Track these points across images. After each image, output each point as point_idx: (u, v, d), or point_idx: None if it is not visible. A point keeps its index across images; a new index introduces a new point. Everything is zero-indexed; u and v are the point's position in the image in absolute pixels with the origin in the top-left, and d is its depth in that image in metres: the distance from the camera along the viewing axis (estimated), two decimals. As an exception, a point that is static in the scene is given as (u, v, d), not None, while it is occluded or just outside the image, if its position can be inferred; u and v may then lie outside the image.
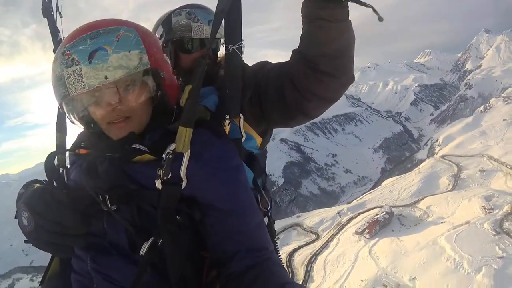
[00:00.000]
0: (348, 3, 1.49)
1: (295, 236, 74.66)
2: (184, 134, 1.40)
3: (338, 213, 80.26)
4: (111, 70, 1.32)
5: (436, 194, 77.49)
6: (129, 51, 1.35)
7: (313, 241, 68.67)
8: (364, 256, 55.28)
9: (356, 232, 63.11)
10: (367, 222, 64.26)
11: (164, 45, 2.06)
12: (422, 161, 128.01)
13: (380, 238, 58.80)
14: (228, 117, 1.68)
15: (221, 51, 2.16)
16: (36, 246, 1.44)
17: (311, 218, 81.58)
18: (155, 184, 1.38)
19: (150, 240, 1.39)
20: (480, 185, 79.49)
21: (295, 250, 64.90)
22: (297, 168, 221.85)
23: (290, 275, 53.02)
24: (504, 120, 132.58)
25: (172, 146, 1.39)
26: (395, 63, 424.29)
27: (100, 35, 1.34)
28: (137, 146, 1.46)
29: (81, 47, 1.32)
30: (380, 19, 1.46)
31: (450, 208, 66.02)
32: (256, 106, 1.85)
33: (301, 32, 1.64)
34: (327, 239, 66.44)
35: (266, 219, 1.89)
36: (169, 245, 1.42)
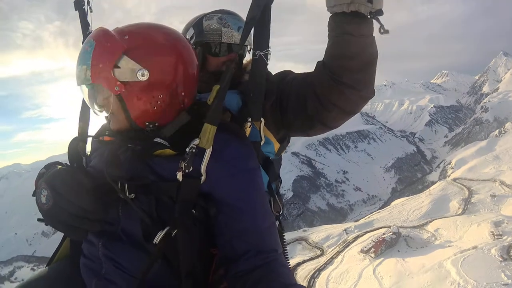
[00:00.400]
0: (374, 20, 1.55)
1: (299, 250, 74.17)
2: (209, 130, 1.45)
3: (345, 230, 79.45)
4: (76, 77, 1.51)
5: (446, 217, 76.25)
6: (82, 66, 1.47)
7: (317, 257, 68.09)
8: (368, 275, 54.72)
9: (362, 251, 62.40)
10: (374, 241, 63.48)
11: (194, 46, 2.05)
12: (433, 183, 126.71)
13: (386, 258, 58.07)
14: (250, 120, 1.73)
15: (247, 58, 2.22)
16: (51, 225, 1.49)
17: (317, 234, 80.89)
18: (176, 176, 1.42)
19: (165, 230, 1.42)
20: (491, 211, 78.30)
21: (298, 264, 64.09)
22: (306, 182, 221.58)
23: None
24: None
25: (196, 141, 1.44)
26: (412, 83, 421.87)
27: (83, 45, 1.50)
28: (158, 140, 1.52)
29: (81, 50, 1.53)
30: (385, 32, 1.53)
31: (458, 232, 65.09)
32: (277, 112, 1.90)
33: (325, 45, 1.69)
34: (332, 255, 65.81)
35: (277, 223, 1.91)
36: (183, 237, 1.44)
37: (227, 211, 1.49)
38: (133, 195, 1.49)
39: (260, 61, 1.72)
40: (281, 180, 2.08)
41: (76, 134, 1.92)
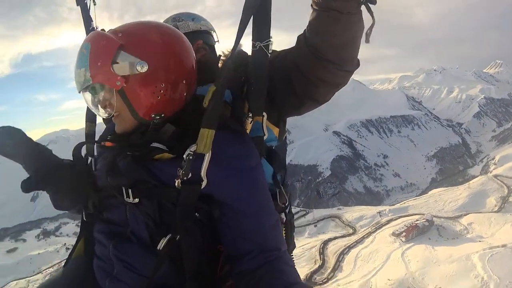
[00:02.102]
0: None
1: (332, 227, 76.69)
2: (206, 135, 1.41)
3: (379, 213, 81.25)
4: (76, 83, 1.52)
5: (481, 212, 76.85)
6: (80, 69, 1.48)
7: (349, 235, 70.50)
8: (396, 257, 56.76)
9: (393, 234, 64.29)
10: (406, 226, 65.11)
11: None
12: (474, 177, 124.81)
13: (415, 244, 59.84)
14: (251, 115, 1.67)
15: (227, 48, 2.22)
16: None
17: (351, 213, 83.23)
18: (175, 182, 1.43)
19: (168, 236, 1.45)
20: (528, 212, 78.09)
21: (330, 240, 67.06)
22: (345, 163, 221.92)
23: (321, 262, 56.67)
24: None
25: (193, 147, 1.41)
26: (463, 70, 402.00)
27: (79, 49, 1.52)
28: (156, 145, 1.51)
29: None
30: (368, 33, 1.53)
31: (491, 229, 65.87)
32: (271, 91, 1.79)
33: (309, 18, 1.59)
34: (363, 235, 68.15)
35: (283, 216, 1.98)
36: (186, 242, 1.46)
37: (229, 212, 1.49)
38: (137, 200, 1.51)
39: (261, 53, 1.62)
40: (286, 171, 2.06)
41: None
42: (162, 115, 1.55)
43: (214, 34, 2.35)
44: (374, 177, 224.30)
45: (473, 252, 54.04)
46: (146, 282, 1.49)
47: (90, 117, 2.05)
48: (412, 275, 51.33)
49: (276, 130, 1.92)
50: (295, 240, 2.10)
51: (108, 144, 1.68)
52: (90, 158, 1.91)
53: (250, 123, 1.69)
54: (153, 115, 1.54)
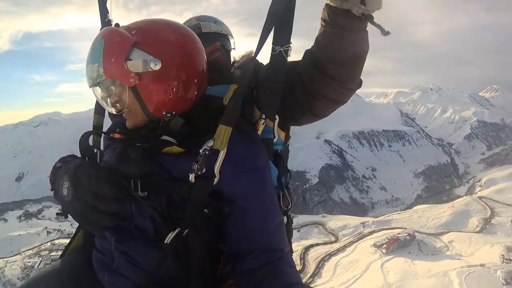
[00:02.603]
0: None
1: (315, 234, 77.20)
2: (224, 132, 1.44)
3: (363, 223, 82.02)
4: (88, 78, 1.52)
5: (462, 231, 77.65)
6: (93, 64, 1.48)
7: (331, 242, 71.05)
8: (375, 268, 57.30)
9: (375, 245, 65.05)
10: (388, 238, 65.89)
11: None
12: (459, 197, 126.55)
13: (395, 256, 60.46)
14: (264, 117, 1.68)
15: (241, 53, 2.30)
16: (72, 216, 1.53)
17: (335, 221, 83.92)
18: (188, 176, 1.43)
19: (176, 231, 1.44)
20: (508, 235, 78.86)
21: (311, 246, 67.59)
22: (334, 172, 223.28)
23: (301, 267, 56.85)
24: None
25: (210, 143, 1.43)
26: (459, 91, 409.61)
27: (92, 44, 1.52)
28: (165, 137, 1.52)
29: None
30: (385, 33, 1.49)
31: (471, 248, 66.68)
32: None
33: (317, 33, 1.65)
34: (345, 243, 68.61)
35: (285, 218, 1.96)
36: (194, 237, 1.47)
37: (236, 210, 1.50)
38: (145, 193, 1.50)
39: (280, 57, 1.62)
40: (290, 174, 2.08)
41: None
42: (173, 112, 1.56)
43: (231, 41, 2.41)
44: (360, 189, 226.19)
45: (452, 269, 54.48)
46: (148, 277, 1.50)
47: (99, 110, 2.05)
48: (389, 287, 51.91)
49: (282, 135, 1.95)
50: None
51: (117, 136, 1.71)
52: (95, 150, 1.86)
53: (263, 125, 1.70)
54: (164, 112, 1.55)
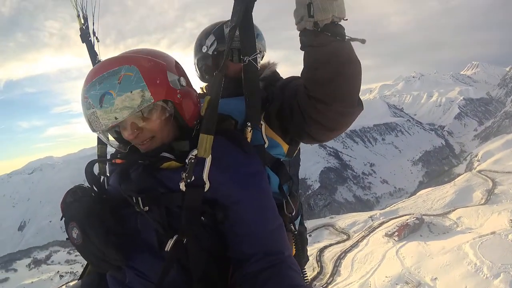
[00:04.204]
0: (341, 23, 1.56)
1: (327, 235, 77.72)
2: (205, 140, 1.51)
3: (371, 217, 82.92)
4: (118, 112, 1.46)
5: (468, 206, 78.86)
6: (131, 92, 1.46)
7: (343, 241, 71.75)
8: (391, 256, 58.15)
9: (386, 235, 65.82)
10: (397, 226, 66.80)
11: (215, 53, 2.20)
12: (459, 175, 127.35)
13: (408, 241, 61.35)
14: (249, 124, 1.76)
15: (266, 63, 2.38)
16: (83, 257, 1.63)
17: (343, 220, 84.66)
18: (180, 186, 1.51)
19: (175, 238, 1.50)
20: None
21: (325, 247, 68.24)
22: (333, 174, 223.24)
23: (319, 269, 57.56)
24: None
25: (194, 152, 1.52)
26: (441, 74, 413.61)
27: (105, 79, 1.47)
28: (164, 154, 1.62)
29: (93, 92, 1.47)
30: (363, 41, 1.55)
31: (479, 220, 67.74)
32: (281, 119, 1.91)
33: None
34: (357, 239, 69.53)
35: (291, 226, 1.99)
36: (192, 243, 1.52)
37: (233, 215, 1.54)
38: (147, 208, 1.56)
39: (250, 66, 1.71)
40: (293, 181, 2.10)
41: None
42: (198, 120, 1.69)
43: (260, 55, 2.39)
44: (363, 186, 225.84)
45: (464, 242, 55.41)
46: None
47: (101, 141, 2.12)
48: (408, 270, 52.61)
49: (285, 147, 2.00)
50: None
51: (118, 161, 1.82)
52: (102, 177, 2.02)
53: (250, 132, 1.77)
54: (195, 122, 1.69)
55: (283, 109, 1.87)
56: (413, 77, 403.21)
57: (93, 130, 1.57)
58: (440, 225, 69.28)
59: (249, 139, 1.77)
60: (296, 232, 2.03)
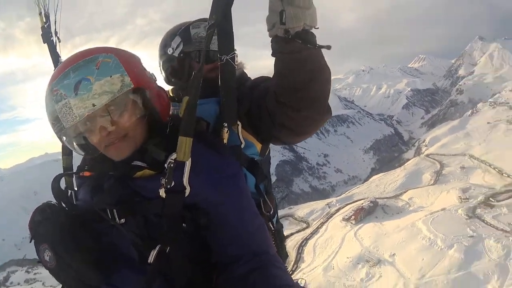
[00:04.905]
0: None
1: (287, 225, 78.45)
2: (184, 143, 1.45)
3: (328, 204, 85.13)
4: (97, 98, 1.36)
5: (419, 187, 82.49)
6: (111, 76, 1.39)
7: (303, 229, 73.26)
8: (350, 238, 60.01)
9: (344, 219, 67.87)
10: (354, 210, 69.32)
11: (182, 55, 2.13)
12: (409, 160, 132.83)
13: (365, 223, 63.82)
14: (226, 125, 1.72)
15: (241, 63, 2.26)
16: (56, 280, 1.51)
17: (302, 210, 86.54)
18: (159, 193, 1.43)
19: (157, 248, 1.43)
20: (460, 180, 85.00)
21: (287, 237, 66.81)
22: (289, 166, 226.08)
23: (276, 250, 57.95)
24: (488, 123, 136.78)
25: (173, 156, 1.44)
26: (390, 67, 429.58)
27: (81, 67, 1.39)
28: (137, 163, 1.52)
29: (66, 81, 1.38)
30: (328, 48, 1.56)
31: (430, 199, 71.26)
32: (251, 118, 1.85)
33: None
34: (317, 226, 71.07)
35: (270, 224, 1.97)
36: (175, 252, 1.46)
37: (215, 219, 1.50)
38: (123, 220, 1.48)
39: (228, 65, 1.68)
40: (269, 180, 2.08)
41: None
42: (171, 121, 1.62)
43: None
44: (318, 176, 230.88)
45: (417, 220, 58.19)
46: None
47: (66, 151, 1.98)
48: (367, 249, 54.71)
49: (259, 146, 1.98)
50: None
51: (87, 173, 1.70)
52: (69, 192, 1.84)
53: (227, 133, 1.74)
54: (168, 118, 1.63)
55: (252, 111, 1.84)
56: (363, 70, 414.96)
57: (60, 130, 1.44)
58: (394, 206, 72.27)
59: (225, 140, 1.75)
60: (274, 231, 2.05)
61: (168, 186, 1.43)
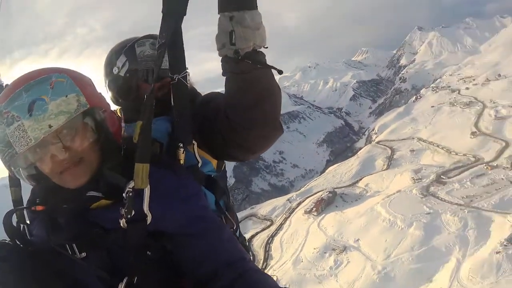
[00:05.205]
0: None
1: (251, 225, 79.28)
2: (141, 170, 1.38)
3: (288, 200, 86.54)
4: (53, 118, 1.27)
5: (373, 173, 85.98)
6: (66, 96, 1.31)
7: (268, 227, 74.38)
8: (314, 229, 61.64)
9: (305, 212, 69.53)
10: (314, 203, 70.99)
11: (128, 74, 2.04)
12: (361, 148, 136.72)
13: (326, 214, 65.72)
14: (181, 145, 1.68)
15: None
16: None
17: (264, 208, 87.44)
18: (119, 224, 1.36)
19: (125, 280, 1.37)
20: (411, 163, 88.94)
21: (252, 236, 69.72)
22: (246, 166, 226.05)
23: (251, 257, 58.11)
24: (432, 107, 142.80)
25: (131, 184, 1.36)
26: (334, 62, 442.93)
27: (33, 86, 1.30)
28: (92, 193, 1.43)
29: (18, 102, 1.27)
30: (280, 72, 1.58)
31: (385, 183, 74.09)
32: (204, 136, 1.81)
33: None
34: (280, 222, 72.43)
35: None
36: (143, 282, 1.40)
37: (181, 241, 1.46)
38: (84, 254, 1.39)
39: (180, 84, 1.66)
40: (229, 194, 2.07)
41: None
42: (125, 145, 1.54)
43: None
44: (275, 173, 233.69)
45: (375, 204, 60.68)
46: None
47: (14, 182, 1.80)
48: (332, 238, 56.44)
49: (214, 162, 1.95)
50: None
51: (39, 208, 1.56)
52: (22, 226, 1.68)
53: (183, 153, 1.70)
54: (122, 140, 1.54)
55: (204, 129, 1.81)
56: (309, 67, 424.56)
57: (12, 156, 1.32)
58: (352, 194, 74.85)
59: (182, 161, 1.71)
60: None
61: (129, 216, 1.35)
